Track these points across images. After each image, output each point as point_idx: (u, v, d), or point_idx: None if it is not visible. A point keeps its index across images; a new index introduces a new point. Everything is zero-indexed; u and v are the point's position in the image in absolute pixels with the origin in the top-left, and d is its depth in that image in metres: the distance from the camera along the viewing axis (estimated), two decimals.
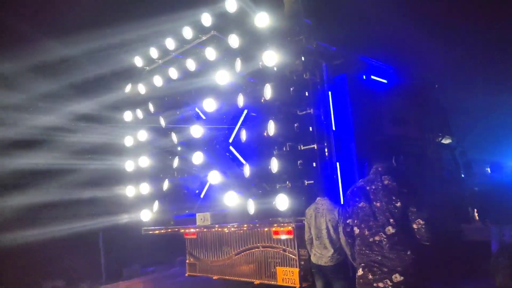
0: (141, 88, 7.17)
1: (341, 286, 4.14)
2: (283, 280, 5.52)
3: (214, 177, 5.71)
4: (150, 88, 7.12)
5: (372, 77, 7.47)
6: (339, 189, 5.72)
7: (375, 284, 2.69)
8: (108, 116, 8.55)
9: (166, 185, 6.46)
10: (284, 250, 5.58)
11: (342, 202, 5.58)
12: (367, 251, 2.77)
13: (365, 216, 2.83)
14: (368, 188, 2.89)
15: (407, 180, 2.90)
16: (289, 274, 5.46)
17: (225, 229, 5.85)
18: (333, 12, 6.82)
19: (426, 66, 9.30)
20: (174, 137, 6.46)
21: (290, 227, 5.29)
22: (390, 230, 2.71)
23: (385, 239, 2.71)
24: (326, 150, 5.39)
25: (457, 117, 10.46)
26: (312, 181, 5.10)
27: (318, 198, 4.45)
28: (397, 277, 2.63)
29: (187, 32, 6.10)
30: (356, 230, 2.90)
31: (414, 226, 2.72)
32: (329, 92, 6.00)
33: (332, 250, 4.12)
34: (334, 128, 5.91)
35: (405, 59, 8.57)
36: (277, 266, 5.64)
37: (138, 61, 7.08)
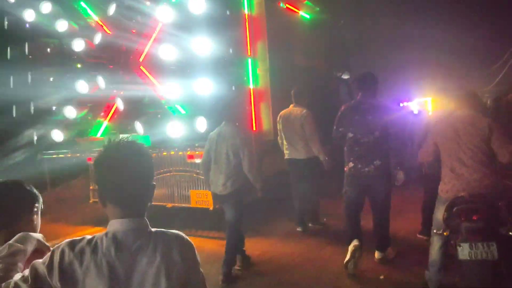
0: None
1: (231, 215, 4.13)
2: (196, 202, 5.64)
3: (121, 104, 5.28)
4: None
5: (288, 5, 7.43)
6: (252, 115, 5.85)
7: (362, 170, 4.00)
8: None
9: (69, 111, 5.73)
10: (197, 174, 5.61)
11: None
12: (357, 148, 4.02)
13: (359, 125, 4.02)
14: (362, 106, 4.06)
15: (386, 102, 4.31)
16: (202, 197, 5.58)
17: None
18: None
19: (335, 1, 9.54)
20: (77, 47, 5.57)
21: None
22: (376, 134, 3.97)
23: (372, 140, 3.97)
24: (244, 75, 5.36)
25: (358, 54, 11.18)
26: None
27: (223, 122, 4.21)
28: (377, 162, 3.96)
29: None
30: (350, 135, 4.07)
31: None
32: (247, 14, 5.84)
33: (227, 175, 4.05)
34: (249, 53, 5.86)
35: None
36: (190, 189, 5.70)
37: None
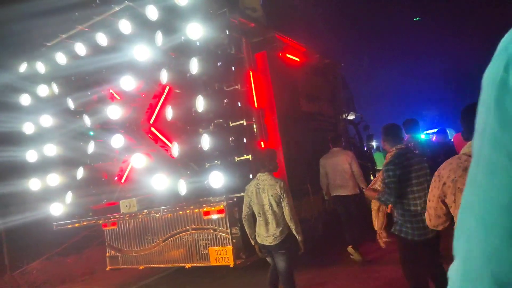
0: (40, 67, 6.27)
1: (283, 264, 4.10)
2: (216, 260, 5.43)
3: (138, 160, 5.29)
4: (52, 67, 6.27)
5: (288, 55, 7.65)
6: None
7: None
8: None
9: (80, 173, 5.79)
10: (215, 230, 5.48)
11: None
12: None
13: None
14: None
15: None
16: (222, 253, 5.40)
17: (156, 214, 5.50)
18: None
19: (333, 46, 9.83)
20: (87, 120, 5.78)
21: (222, 206, 5.20)
22: None
23: None
24: (254, 126, 5.40)
25: (359, 95, 11.35)
26: (244, 157, 5.06)
27: (258, 174, 4.27)
28: None
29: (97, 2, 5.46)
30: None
31: None
32: (250, 67, 5.99)
33: (275, 226, 4.05)
34: (256, 105, 5.95)
35: (314, 39, 8.92)
36: (209, 247, 5.53)
37: (36, 36, 6.15)
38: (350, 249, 5.92)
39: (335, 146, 6.29)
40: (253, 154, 5.07)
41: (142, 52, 5.12)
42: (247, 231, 4.40)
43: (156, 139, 5.73)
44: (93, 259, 8.48)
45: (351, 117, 10.67)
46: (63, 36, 5.91)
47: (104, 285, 7.00)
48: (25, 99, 6.51)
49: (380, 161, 11.84)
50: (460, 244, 0.59)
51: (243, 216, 4.37)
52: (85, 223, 6.29)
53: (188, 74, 4.84)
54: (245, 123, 5.13)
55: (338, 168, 6.06)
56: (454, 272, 0.60)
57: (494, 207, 0.53)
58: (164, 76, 4.92)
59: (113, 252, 6.44)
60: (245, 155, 5.18)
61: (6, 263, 8.08)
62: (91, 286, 7.18)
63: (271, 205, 4.06)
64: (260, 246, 4.26)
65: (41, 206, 6.28)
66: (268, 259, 4.37)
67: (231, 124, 5.13)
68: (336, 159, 6.12)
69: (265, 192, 4.10)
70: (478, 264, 0.54)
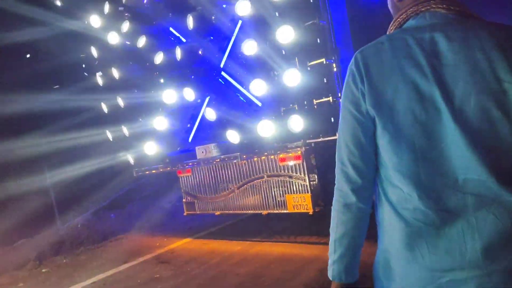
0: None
1: None
2: (294, 207, 5.29)
3: (211, 113, 5.15)
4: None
5: None
6: None
7: None
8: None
9: (158, 122, 5.77)
10: (291, 177, 5.29)
11: None
12: None
13: None
14: None
15: None
16: (300, 200, 5.24)
17: (234, 160, 5.42)
18: None
19: None
20: (158, 58, 5.70)
21: (299, 152, 4.95)
22: None
23: None
24: (334, 65, 4.93)
25: None
26: (323, 99, 4.68)
27: None
28: None
29: None
30: None
31: None
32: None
33: None
34: (335, 43, 5.43)
35: None
36: (285, 194, 5.38)
37: None
38: None
39: None
40: (333, 96, 4.66)
41: None
42: None
43: (227, 84, 5.51)
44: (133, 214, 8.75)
45: None
46: None
47: (139, 245, 6.99)
48: (94, 51, 6.60)
49: None
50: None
51: None
52: (161, 170, 6.42)
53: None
54: (324, 62, 4.69)
55: None
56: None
57: (344, 138, 1.31)
58: (238, 9, 4.58)
59: (189, 198, 6.56)
60: (324, 97, 4.80)
61: (56, 215, 8.41)
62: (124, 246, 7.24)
63: None
64: None
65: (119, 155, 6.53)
66: None
67: (309, 64, 4.73)
68: None
69: None
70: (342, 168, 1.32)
